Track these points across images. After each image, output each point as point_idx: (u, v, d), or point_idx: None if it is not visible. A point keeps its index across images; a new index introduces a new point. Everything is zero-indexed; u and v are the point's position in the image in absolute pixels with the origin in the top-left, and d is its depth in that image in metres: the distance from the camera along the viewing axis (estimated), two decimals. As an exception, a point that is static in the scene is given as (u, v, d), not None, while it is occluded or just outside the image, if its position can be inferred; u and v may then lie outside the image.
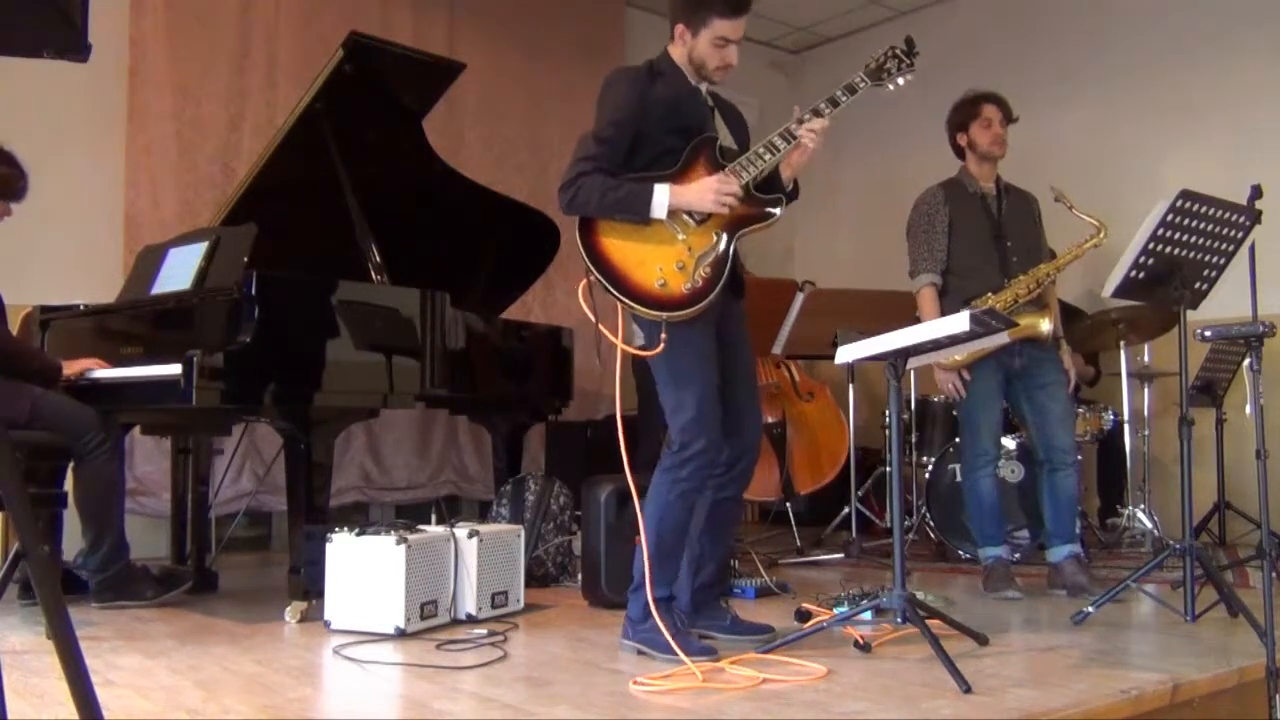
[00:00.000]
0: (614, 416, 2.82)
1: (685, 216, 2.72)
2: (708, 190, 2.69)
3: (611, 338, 2.73)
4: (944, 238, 3.84)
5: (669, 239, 2.71)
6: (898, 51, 2.87)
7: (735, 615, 2.99)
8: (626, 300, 2.68)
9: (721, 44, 2.81)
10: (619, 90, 2.81)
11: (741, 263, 2.93)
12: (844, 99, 2.80)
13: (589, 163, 2.72)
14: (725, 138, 2.90)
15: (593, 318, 2.71)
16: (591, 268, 2.70)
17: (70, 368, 3.53)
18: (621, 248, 2.71)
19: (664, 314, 2.67)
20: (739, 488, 2.94)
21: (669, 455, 2.77)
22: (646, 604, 2.74)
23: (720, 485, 2.89)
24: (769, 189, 2.83)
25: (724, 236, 2.73)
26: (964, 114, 3.92)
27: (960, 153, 3.96)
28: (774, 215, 2.80)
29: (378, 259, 3.82)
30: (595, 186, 2.69)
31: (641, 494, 2.79)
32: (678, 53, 2.88)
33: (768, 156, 2.78)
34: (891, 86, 2.88)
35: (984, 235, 3.83)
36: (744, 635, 2.90)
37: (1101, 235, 3.72)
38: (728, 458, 2.86)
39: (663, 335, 2.68)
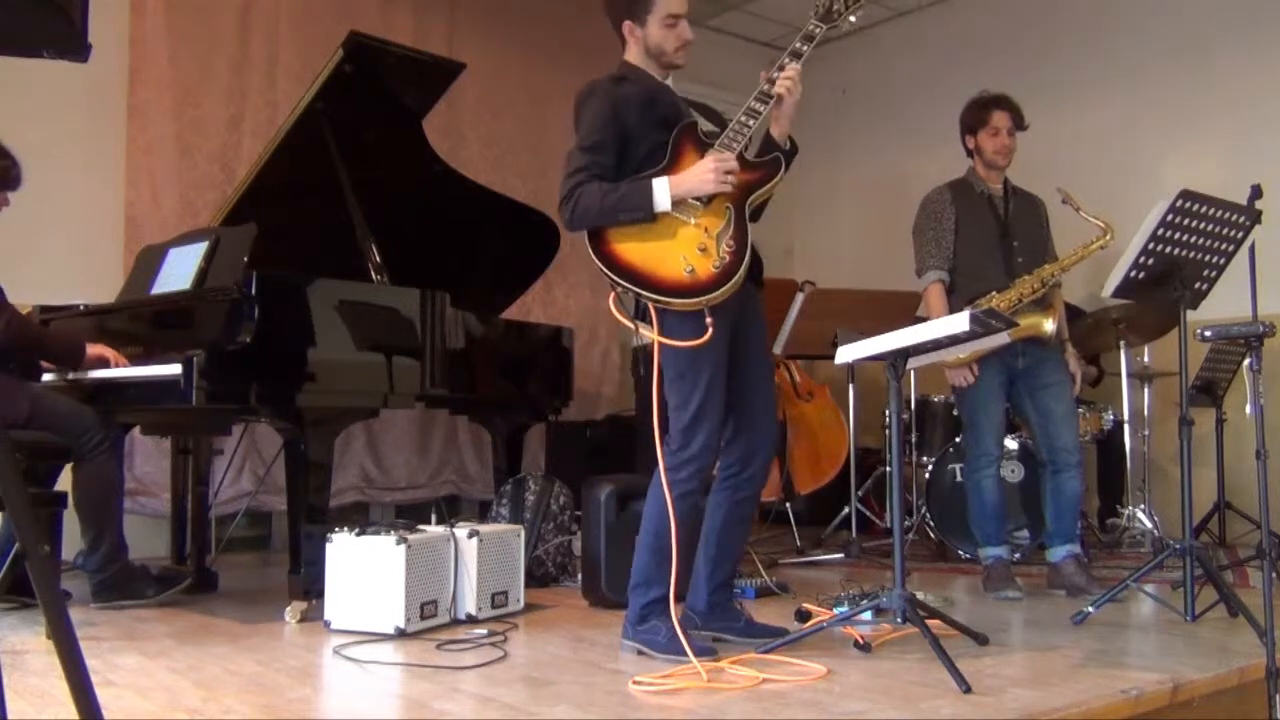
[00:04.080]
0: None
1: (691, 201, 2.68)
2: (705, 172, 2.65)
3: (653, 335, 2.67)
4: (951, 236, 3.84)
5: (682, 227, 2.67)
6: None
7: (750, 617, 2.95)
8: (660, 298, 2.62)
9: (672, 22, 2.80)
10: (591, 103, 2.79)
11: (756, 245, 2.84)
12: (804, 48, 2.78)
13: (581, 173, 2.69)
14: (703, 124, 2.86)
15: (630, 325, 2.69)
16: (614, 278, 2.64)
17: (93, 349, 3.50)
18: (638, 249, 2.65)
19: (701, 299, 2.61)
20: (755, 487, 2.90)
21: (668, 455, 2.73)
22: (641, 605, 2.74)
23: (736, 486, 2.87)
24: (766, 154, 2.81)
25: (733, 209, 2.70)
26: (974, 118, 3.90)
27: (970, 153, 3.96)
28: (780, 171, 2.77)
29: (378, 259, 3.82)
30: (593, 194, 2.65)
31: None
32: (634, 54, 2.88)
33: (751, 122, 2.74)
34: (845, 26, 2.83)
35: (990, 235, 3.83)
36: (758, 639, 2.84)
37: (1108, 237, 3.70)
38: (739, 457, 2.85)
39: (708, 320, 2.61)
